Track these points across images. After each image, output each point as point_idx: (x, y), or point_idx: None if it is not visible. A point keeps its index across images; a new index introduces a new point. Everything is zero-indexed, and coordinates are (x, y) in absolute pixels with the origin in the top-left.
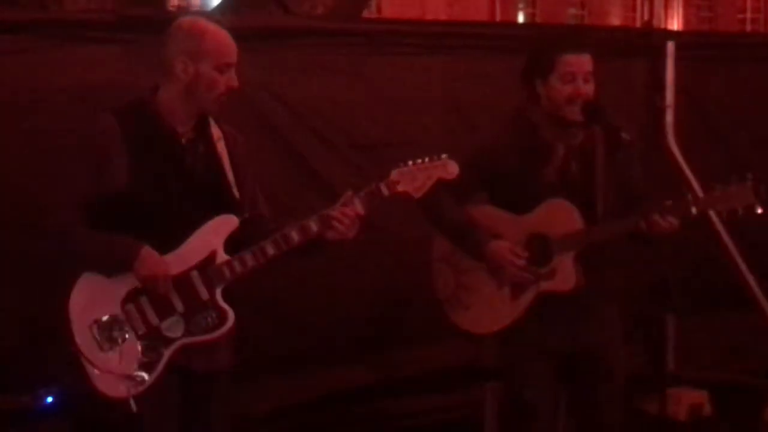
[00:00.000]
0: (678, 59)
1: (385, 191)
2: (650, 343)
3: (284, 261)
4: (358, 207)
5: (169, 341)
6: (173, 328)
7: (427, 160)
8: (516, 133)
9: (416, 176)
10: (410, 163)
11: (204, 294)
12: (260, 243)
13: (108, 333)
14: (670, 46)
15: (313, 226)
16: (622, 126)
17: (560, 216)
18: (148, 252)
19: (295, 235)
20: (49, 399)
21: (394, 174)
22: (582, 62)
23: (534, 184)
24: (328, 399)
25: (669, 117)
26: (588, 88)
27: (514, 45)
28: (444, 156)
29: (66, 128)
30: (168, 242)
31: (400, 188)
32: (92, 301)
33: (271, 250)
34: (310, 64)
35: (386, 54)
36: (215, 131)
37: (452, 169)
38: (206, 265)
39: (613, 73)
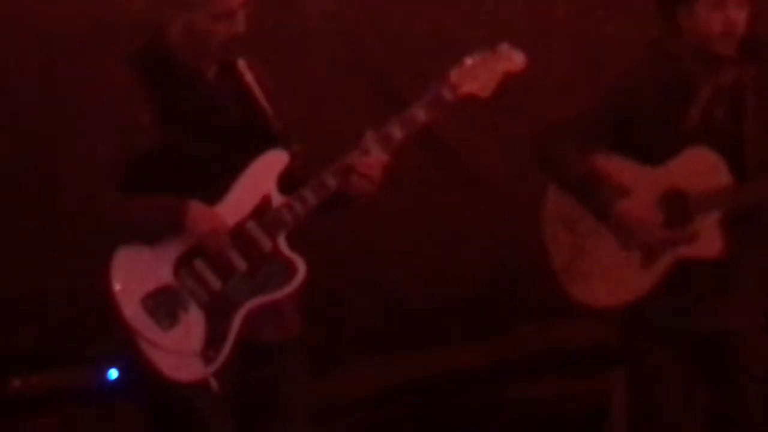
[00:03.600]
0: None
1: (448, 96)
2: None
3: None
4: (380, 153)
5: (236, 305)
6: (238, 289)
7: (488, 52)
8: (654, 70)
9: (478, 74)
10: (468, 60)
11: (266, 245)
12: (319, 175)
13: (165, 307)
14: None
15: (375, 148)
16: None
17: (703, 168)
18: (197, 207)
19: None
20: (112, 374)
21: (453, 75)
22: None
23: (672, 130)
24: (434, 383)
25: None
26: (740, 16)
27: None
28: (505, 45)
29: (82, 75)
30: (213, 195)
31: (463, 90)
32: (138, 273)
33: (332, 182)
34: None
35: None
36: (240, 61)
37: (518, 59)
38: (262, 212)
39: None
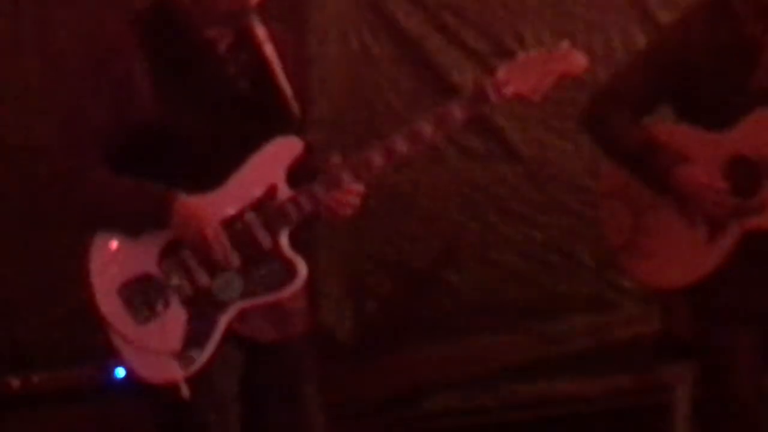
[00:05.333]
0: None
1: (492, 96)
2: None
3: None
4: (349, 181)
5: (223, 305)
6: (228, 287)
7: (543, 50)
8: (713, 27)
9: (530, 73)
10: (521, 56)
11: (266, 241)
12: (333, 170)
13: (143, 299)
14: None
15: (400, 144)
16: None
17: None
18: (185, 205)
19: (378, 159)
20: (119, 372)
21: (502, 72)
22: None
23: (736, 92)
24: (476, 377)
25: None
26: None
27: None
28: (565, 44)
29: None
30: (215, 178)
31: (510, 90)
32: (119, 258)
33: (347, 178)
34: None
35: None
36: (260, 30)
37: (578, 61)
38: (265, 204)
39: None
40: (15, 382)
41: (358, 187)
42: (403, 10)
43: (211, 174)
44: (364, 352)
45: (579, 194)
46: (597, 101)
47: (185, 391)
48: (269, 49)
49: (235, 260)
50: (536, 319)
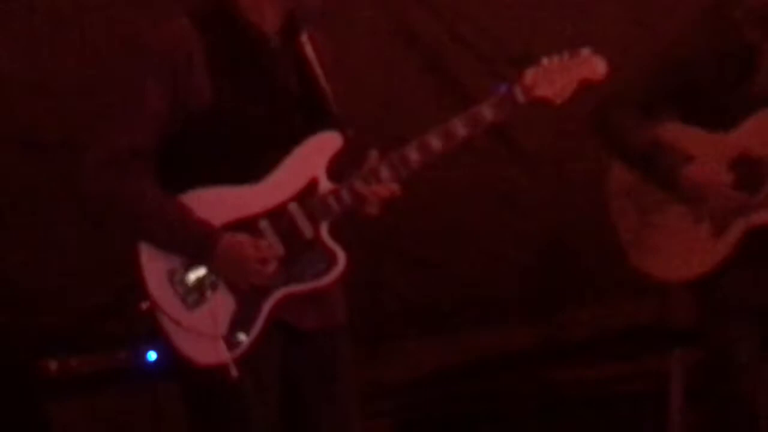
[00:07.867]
0: None
1: (520, 98)
2: None
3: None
4: (387, 176)
5: (267, 291)
6: (272, 275)
7: (566, 56)
8: (713, 34)
9: (555, 77)
10: (545, 61)
11: (308, 231)
12: (371, 166)
13: (191, 284)
14: None
15: (435, 142)
16: None
17: None
18: (229, 244)
19: (414, 155)
20: (152, 356)
21: (528, 75)
22: None
23: (737, 96)
24: (483, 365)
25: None
26: None
27: None
28: (586, 50)
29: (124, 34)
30: (259, 168)
31: (537, 93)
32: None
33: (386, 174)
34: None
35: None
36: (302, 32)
37: (599, 67)
38: (307, 195)
39: None
40: (53, 365)
41: (394, 186)
42: (422, 21)
43: (256, 164)
44: (379, 338)
45: (583, 191)
46: (605, 104)
47: (234, 371)
48: (309, 50)
49: (280, 249)
50: (538, 310)
